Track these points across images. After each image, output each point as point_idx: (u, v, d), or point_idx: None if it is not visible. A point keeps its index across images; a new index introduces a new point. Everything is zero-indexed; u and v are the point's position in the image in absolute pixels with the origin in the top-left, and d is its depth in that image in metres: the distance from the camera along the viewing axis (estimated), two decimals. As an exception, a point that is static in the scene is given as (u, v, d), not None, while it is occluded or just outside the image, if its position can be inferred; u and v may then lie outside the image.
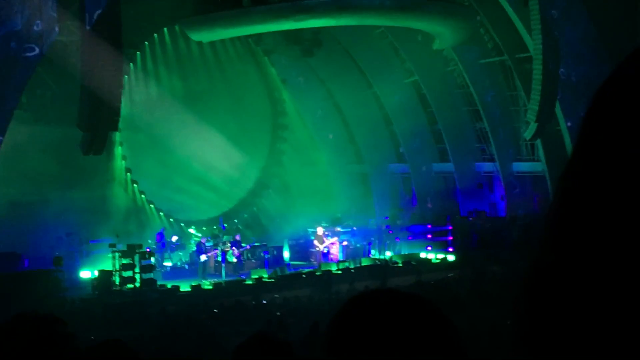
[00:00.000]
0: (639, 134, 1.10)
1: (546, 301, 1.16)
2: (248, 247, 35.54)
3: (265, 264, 34.14)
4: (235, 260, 34.27)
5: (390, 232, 38.53)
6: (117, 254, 30.78)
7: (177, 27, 36.75)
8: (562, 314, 1.13)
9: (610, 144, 1.13)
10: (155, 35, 37.30)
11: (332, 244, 36.32)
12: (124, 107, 32.39)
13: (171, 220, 38.19)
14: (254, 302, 26.80)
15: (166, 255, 34.54)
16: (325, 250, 35.87)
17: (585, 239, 1.11)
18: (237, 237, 35.44)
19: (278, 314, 23.54)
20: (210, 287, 30.53)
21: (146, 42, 37.04)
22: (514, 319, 1.23)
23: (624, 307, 1.07)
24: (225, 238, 35.23)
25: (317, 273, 32.53)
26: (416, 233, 38.82)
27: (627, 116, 1.12)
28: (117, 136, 35.13)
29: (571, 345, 1.11)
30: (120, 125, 31.51)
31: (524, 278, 1.21)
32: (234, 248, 34.38)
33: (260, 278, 31.87)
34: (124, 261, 30.64)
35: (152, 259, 31.75)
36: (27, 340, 2.30)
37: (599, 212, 1.10)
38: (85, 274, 31.73)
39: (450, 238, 37.27)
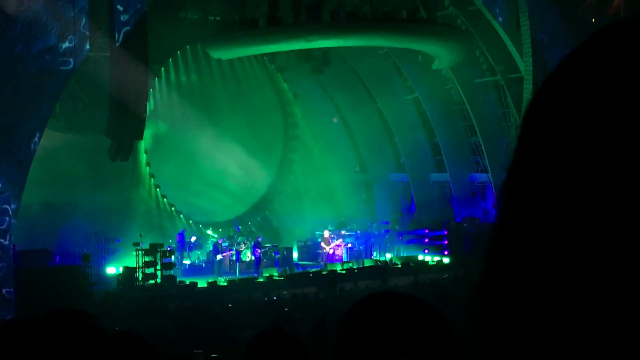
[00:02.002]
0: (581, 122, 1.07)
1: (496, 302, 1.12)
2: (269, 247, 35.53)
3: (275, 264, 34.14)
4: (253, 258, 34.26)
5: (396, 236, 38.60)
6: (140, 252, 30.80)
7: (198, 46, 36.80)
8: (512, 313, 1.10)
9: (549, 137, 1.10)
10: (179, 52, 37.36)
11: (338, 246, 36.31)
12: (149, 118, 32.52)
13: (190, 222, 38.18)
14: (265, 299, 26.79)
15: (185, 254, 34.55)
16: (331, 252, 35.86)
17: (530, 239, 1.09)
18: (259, 239, 35.41)
19: (286, 309, 23.52)
20: (225, 284, 30.56)
21: (170, 59, 37.09)
22: (470, 324, 1.21)
23: (574, 304, 1.04)
24: (239, 239, 35.25)
25: (324, 272, 32.55)
26: (414, 237, 38.82)
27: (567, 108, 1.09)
28: (142, 144, 35.16)
29: (522, 343, 1.08)
30: (145, 134, 31.56)
31: (474, 283, 1.20)
32: (256, 248, 34.32)
33: (271, 276, 31.91)
34: (147, 259, 30.66)
35: (173, 257, 31.80)
36: (63, 333, 2.31)
37: (542, 211, 1.08)
38: (111, 270, 31.79)
39: (446, 242, 37.24)
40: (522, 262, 1.08)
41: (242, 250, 34.22)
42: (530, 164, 1.11)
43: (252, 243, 34.68)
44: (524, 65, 32.15)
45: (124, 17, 27.76)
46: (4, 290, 23.11)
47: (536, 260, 1.06)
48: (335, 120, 43.07)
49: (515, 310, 1.08)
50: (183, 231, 35.33)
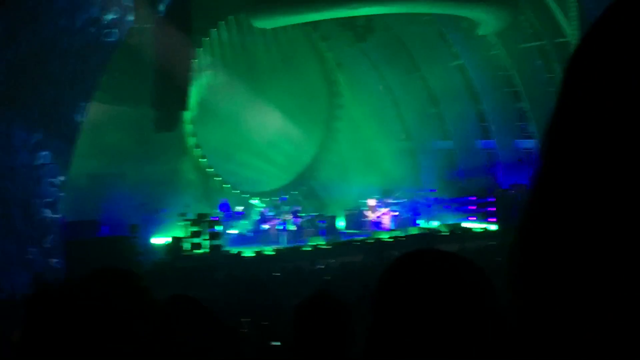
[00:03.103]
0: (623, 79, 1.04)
1: (536, 258, 1.10)
2: (309, 217, 35.66)
3: (321, 232, 34.22)
4: (295, 228, 34.40)
5: (442, 203, 38.52)
6: (186, 222, 31.01)
7: (242, 15, 36.78)
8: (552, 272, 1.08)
9: (593, 95, 1.08)
10: (222, 22, 37.40)
11: (384, 214, 36.31)
12: (193, 89, 32.66)
13: (236, 191, 38.35)
14: (313, 267, 26.86)
15: (232, 223, 34.74)
16: (377, 220, 35.87)
17: (570, 196, 1.06)
18: (298, 208, 35.61)
19: (327, 277, 23.54)
20: (272, 253, 30.67)
21: (213, 29, 37.15)
22: (508, 280, 1.19)
23: (618, 266, 1.01)
24: (285, 208, 35.37)
25: (369, 241, 32.55)
26: (461, 204, 38.70)
27: (612, 65, 1.07)
28: (187, 115, 35.33)
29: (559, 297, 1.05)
30: (189, 105, 31.71)
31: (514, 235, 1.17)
32: (295, 218, 34.51)
33: (317, 245, 31.97)
34: (193, 229, 30.88)
35: (219, 227, 31.96)
36: (106, 291, 2.33)
37: (584, 165, 1.05)
38: (158, 240, 32.05)
39: (493, 209, 37.02)
40: (566, 210, 1.05)
41: (288, 220, 34.36)
42: (577, 108, 1.08)
43: (290, 212, 34.86)
44: (570, 30, 31.72)
45: (167, -12, 27.82)
46: (53, 261, 23.42)
47: (581, 207, 1.03)
48: (381, 88, 42.96)
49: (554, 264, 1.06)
50: (226, 201, 35.46)
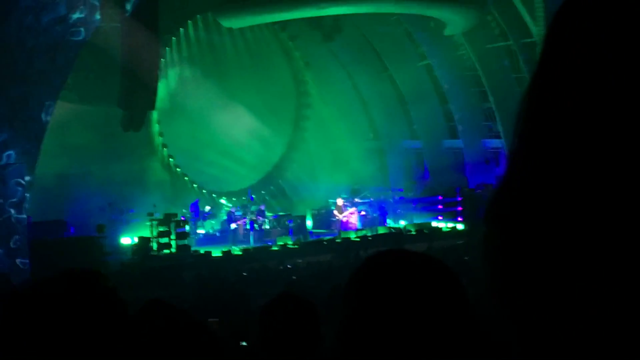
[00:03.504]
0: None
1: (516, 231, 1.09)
2: (276, 217, 35.70)
3: (289, 232, 34.23)
4: (263, 228, 34.43)
5: (409, 203, 38.68)
6: (154, 222, 30.89)
7: (209, 15, 36.69)
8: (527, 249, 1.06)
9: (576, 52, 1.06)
10: (190, 21, 37.30)
11: (351, 213, 36.36)
12: (161, 88, 32.54)
13: (204, 191, 38.27)
14: (281, 267, 26.84)
15: (199, 223, 34.66)
16: (345, 220, 35.92)
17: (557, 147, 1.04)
18: (262, 207, 35.61)
19: (294, 277, 23.51)
20: (240, 253, 30.62)
21: (181, 28, 37.03)
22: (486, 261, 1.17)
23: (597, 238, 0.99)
24: (253, 208, 35.35)
25: (337, 240, 32.60)
26: (428, 204, 38.83)
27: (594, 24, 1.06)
28: (154, 114, 35.20)
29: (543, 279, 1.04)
30: (157, 104, 31.59)
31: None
32: (259, 217, 34.51)
33: (285, 244, 31.97)
34: (161, 229, 30.75)
35: (187, 227, 31.87)
36: (71, 293, 2.31)
37: (566, 125, 1.04)
38: (126, 240, 31.91)
39: (460, 209, 37.18)
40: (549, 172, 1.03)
41: (255, 220, 34.35)
42: (559, 67, 1.07)
43: (256, 212, 34.84)
44: (537, 30, 31.91)
45: (134, -13, 27.68)
46: (18, 261, 23.23)
47: (566, 165, 1.02)
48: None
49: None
50: (197, 201, 35.41)
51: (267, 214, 35.70)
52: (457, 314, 1.77)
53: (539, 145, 1.06)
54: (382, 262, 1.84)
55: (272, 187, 41.11)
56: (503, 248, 1.12)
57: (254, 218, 34.30)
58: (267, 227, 34.92)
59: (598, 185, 0.99)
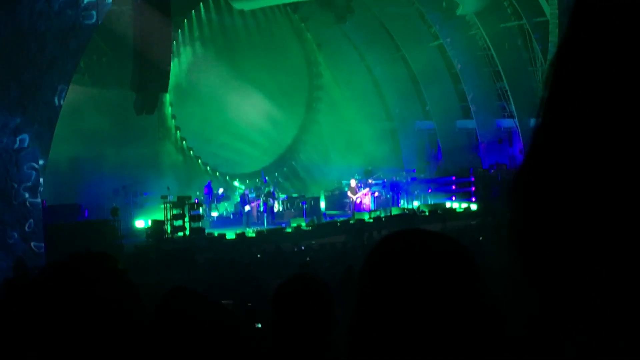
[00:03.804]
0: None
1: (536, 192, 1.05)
2: (289, 198, 35.75)
3: (303, 214, 34.24)
4: (277, 209, 34.48)
5: (423, 183, 38.65)
6: (168, 205, 30.92)
7: (221, -3, 36.71)
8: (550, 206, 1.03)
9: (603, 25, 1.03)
10: (201, 3, 37.25)
11: (365, 194, 36.36)
12: (173, 70, 32.50)
13: (217, 173, 38.29)
14: (295, 249, 26.85)
15: (213, 205, 34.71)
16: (358, 201, 35.91)
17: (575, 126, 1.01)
18: (275, 189, 35.64)
19: (307, 259, 23.50)
20: (254, 235, 30.65)
21: (193, 11, 36.98)
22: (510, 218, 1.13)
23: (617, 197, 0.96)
24: (266, 190, 35.36)
25: (351, 221, 32.61)
26: (441, 184, 38.79)
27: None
28: (167, 97, 35.21)
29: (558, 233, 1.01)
30: (170, 87, 31.57)
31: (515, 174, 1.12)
32: (269, 198, 34.52)
33: (299, 226, 32.00)
34: (175, 211, 30.78)
35: (200, 209, 31.90)
36: (80, 275, 2.28)
37: (592, 90, 1.00)
38: (140, 223, 32.00)
39: (473, 189, 37.12)
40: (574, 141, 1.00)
41: (269, 201, 34.37)
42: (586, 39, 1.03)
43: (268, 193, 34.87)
44: (550, 9, 31.71)
45: (145, -31, 27.63)
46: (33, 245, 23.29)
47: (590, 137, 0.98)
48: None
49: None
50: (210, 183, 35.45)
51: (280, 195, 35.73)
52: (475, 295, 1.73)
53: (567, 119, 1.02)
54: (398, 242, 1.80)
55: (285, 169, 41.13)
56: (530, 227, 1.08)
57: (270, 200, 34.30)
58: (280, 208, 34.94)
59: (632, 161, 0.96)
